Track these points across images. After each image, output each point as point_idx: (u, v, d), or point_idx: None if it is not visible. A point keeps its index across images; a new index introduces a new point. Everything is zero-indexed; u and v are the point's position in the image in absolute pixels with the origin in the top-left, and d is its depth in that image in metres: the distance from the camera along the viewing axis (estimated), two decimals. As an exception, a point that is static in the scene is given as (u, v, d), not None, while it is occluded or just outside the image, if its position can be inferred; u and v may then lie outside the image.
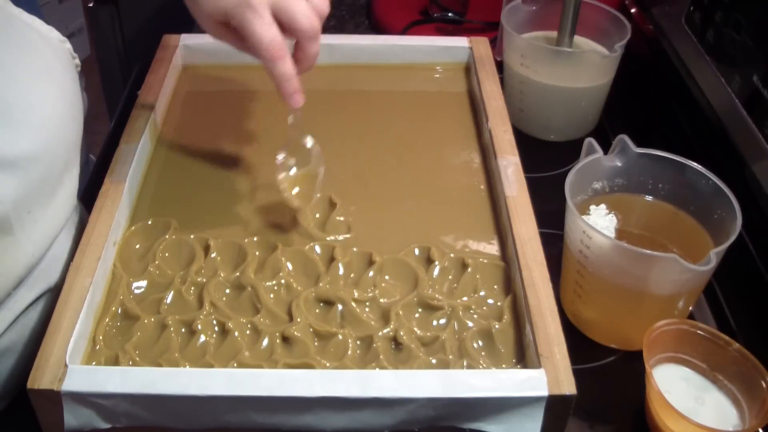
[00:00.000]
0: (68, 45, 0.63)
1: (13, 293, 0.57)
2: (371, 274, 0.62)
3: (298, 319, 0.59)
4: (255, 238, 0.65)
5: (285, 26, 0.58)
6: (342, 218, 0.68)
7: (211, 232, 0.66)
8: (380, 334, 0.58)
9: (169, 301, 0.60)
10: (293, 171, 0.65)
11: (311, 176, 0.65)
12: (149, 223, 0.67)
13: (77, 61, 0.64)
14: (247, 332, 0.59)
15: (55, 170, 0.57)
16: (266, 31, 0.57)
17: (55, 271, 0.62)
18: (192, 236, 0.65)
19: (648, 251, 0.59)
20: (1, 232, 0.54)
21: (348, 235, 0.66)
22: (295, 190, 0.64)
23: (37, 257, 0.58)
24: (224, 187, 0.71)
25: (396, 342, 0.58)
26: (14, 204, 0.54)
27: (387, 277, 0.63)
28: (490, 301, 0.61)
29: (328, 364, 0.57)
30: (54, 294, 0.62)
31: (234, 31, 0.59)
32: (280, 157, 0.64)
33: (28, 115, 0.55)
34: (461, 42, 0.87)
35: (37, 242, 0.58)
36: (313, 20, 0.58)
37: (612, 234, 0.66)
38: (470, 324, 0.59)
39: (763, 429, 0.59)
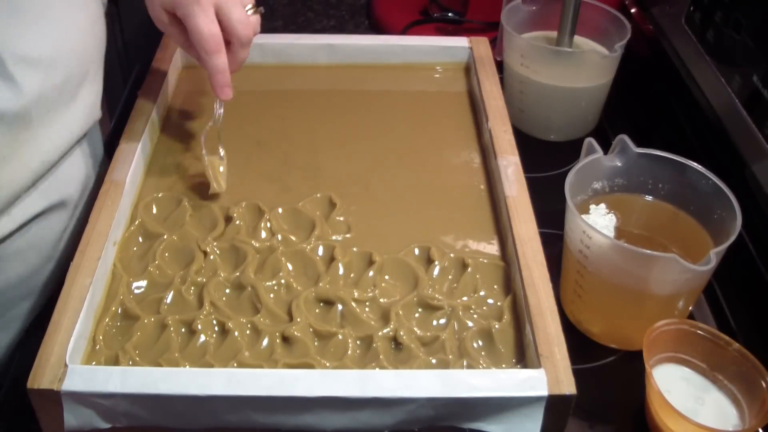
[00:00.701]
0: None
1: (26, 196, 0.62)
2: (371, 274, 0.62)
3: (298, 319, 0.59)
4: (254, 242, 0.65)
5: (223, 29, 0.64)
6: (342, 218, 0.68)
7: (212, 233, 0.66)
8: (380, 334, 0.58)
9: (169, 301, 0.60)
10: (223, 156, 0.70)
11: (219, 166, 0.70)
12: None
13: None
14: (247, 332, 0.59)
15: (74, 78, 0.63)
16: (207, 25, 0.63)
17: (68, 186, 0.67)
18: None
19: (648, 251, 0.59)
20: (22, 126, 0.58)
21: (348, 235, 0.66)
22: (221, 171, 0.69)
23: (52, 157, 0.62)
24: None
25: (396, 342, 0.58)
26: (36, 99, 0.58)
27: (387, 277, 0.63)
28: (490, 301, 0.61)
29: (328, 364, 0.57)
30: (65, 212, 0.67)
31: (178, 22, 0.65)
32: (208, 127, 0.70)
33: (51, 25, 0.60)
34: (461, 42, 0.87)
35: (54, 142, 0.62)
36: (248, 29, 0.65)
37: (612, 234, 0.66)
38: (470, 324, 0.59)
39: (763, 429, 0.59)
